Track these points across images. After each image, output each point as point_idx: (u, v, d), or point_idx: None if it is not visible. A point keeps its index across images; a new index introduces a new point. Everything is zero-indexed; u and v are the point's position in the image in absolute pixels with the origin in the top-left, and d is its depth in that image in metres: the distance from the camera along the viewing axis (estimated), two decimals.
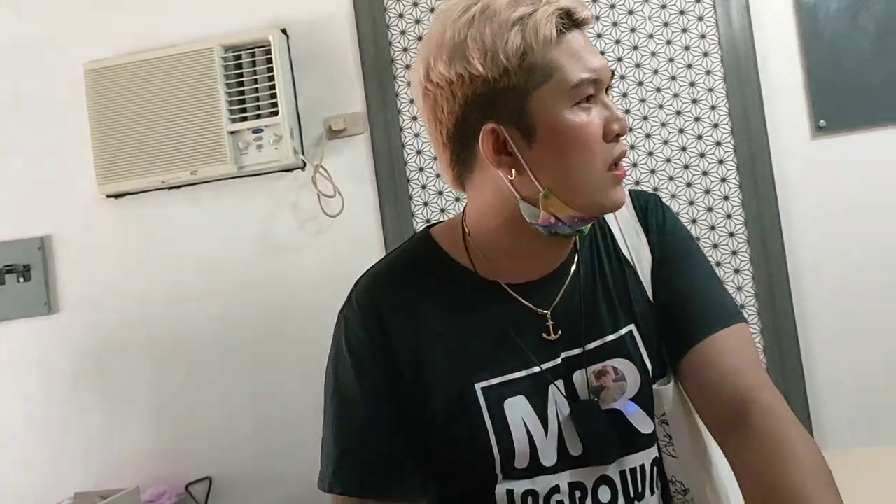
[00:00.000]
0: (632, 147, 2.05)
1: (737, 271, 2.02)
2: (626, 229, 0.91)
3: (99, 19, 2.19)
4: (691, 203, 2.04)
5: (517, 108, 0.77)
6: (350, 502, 0.85)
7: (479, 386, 0.83)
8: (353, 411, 0.86)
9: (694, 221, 2.03)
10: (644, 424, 0.86)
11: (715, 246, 2.03)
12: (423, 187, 2.12)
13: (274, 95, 2.06)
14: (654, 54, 2.05)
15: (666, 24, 2.05)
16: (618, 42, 2.06)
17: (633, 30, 2.05)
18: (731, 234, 2.02)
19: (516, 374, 0.84)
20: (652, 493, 0.89)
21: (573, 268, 0.88)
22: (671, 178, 2.04)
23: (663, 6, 2.05)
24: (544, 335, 0.85)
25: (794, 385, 1.96)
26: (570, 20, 0.77)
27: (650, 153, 2.05)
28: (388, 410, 0.85)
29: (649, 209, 0.92)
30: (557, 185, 0.78)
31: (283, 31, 2.12)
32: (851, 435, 1.95)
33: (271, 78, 2.06)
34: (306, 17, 2.12)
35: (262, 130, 2.07)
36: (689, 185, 2.04)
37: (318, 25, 2.12)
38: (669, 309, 0.88)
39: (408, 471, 0.85)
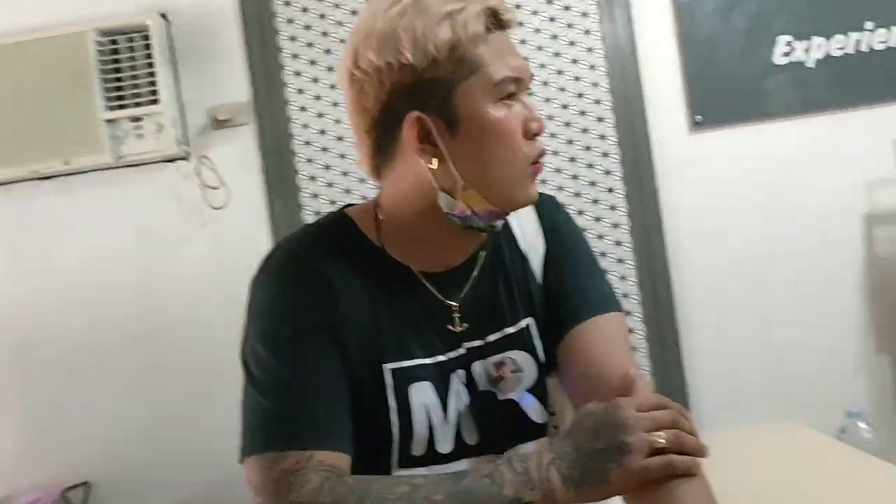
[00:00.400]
0: None
1: (620, 261, 2.09)
2: (524, 225, 0.93)
3: None
4: (577, 195, 2.09)
5: (443, 99, 0.78)
6: (286, 459, 0.76)
7: (387, 367, 0.83)
8: (293, 368, 0.80)
9: (580, 213, 2.09)
10: (538, 415, 0.88)
11: (600, 237, 2.09)
12: (313, 179, 2.09)
13: (153, 83, 1.99)
14: (540, 48, 2.09)
15: (552, 20, 2.09)
16: None
17: (522, 41, 2.09)
18: (616, 226, 2.09)
19: (422, 361, 0.85)
20: None
21: (480, 261, 0.90)
22: (557, 171, 2.09)
23: (549, 1, 2.09)
24: (450, 326, 0.87)
25: (675, 370, 2.05)
26: (496, 20, 0.80)
27: None
28: (327, 365, 0.81)
29: (544, 206, 0.95)
30: (476, 177, 0.80)
31: (164, 16, 2.05)
32: (726, 416, 2.04)
33: (150, 65, 1.99)
34: (188, 2, 2.05)
35: (141, 119, 2.00)
36: (574, 177, 2.09)
37: (201, 11, 2.06)
38: (553, 298, 0.90)
39: (345, 426, 0.81)
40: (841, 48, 2.04)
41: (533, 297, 0.91)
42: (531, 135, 0.81)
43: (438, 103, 0.78)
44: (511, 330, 0.89)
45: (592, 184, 2.09)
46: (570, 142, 2.09)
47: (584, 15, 2.09)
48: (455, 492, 0.70)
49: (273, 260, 0.86)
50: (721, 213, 2.07)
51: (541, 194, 0.95)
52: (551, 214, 0.95)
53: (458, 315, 0.87)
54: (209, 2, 2.06)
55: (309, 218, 2.08)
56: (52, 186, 2.06)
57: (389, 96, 0.79)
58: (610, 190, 2.08)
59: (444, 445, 0.85)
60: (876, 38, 2.04)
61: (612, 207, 2.08)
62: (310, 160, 2.09)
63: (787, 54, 2.05)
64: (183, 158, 2.07)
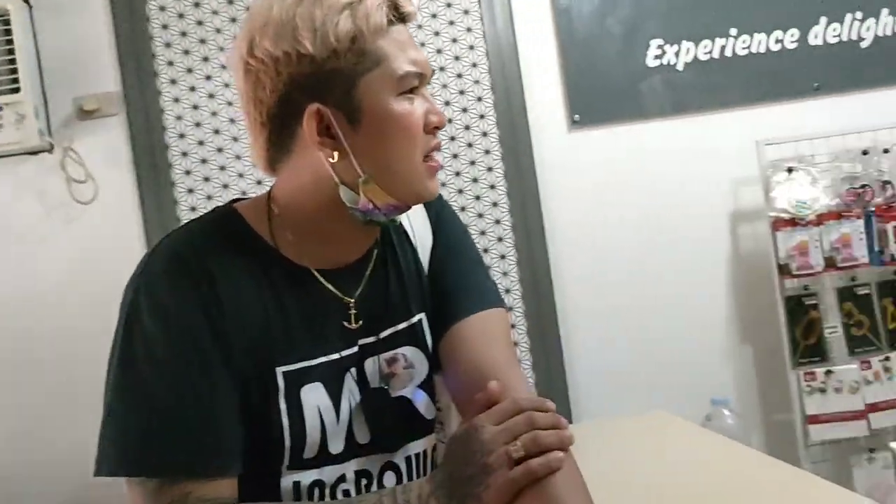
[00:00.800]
0: None
1: (503, 257, 2.13)
2: (414, 220, 0.93)
3: None
4: (460, 191, 2.11)
5: (344, 92, 0.76)
6: (169, 491, 0.72)
7: (280, 370, 0.80)
8: (171, 380, 0.75)
9: (463, 209, 2.11)
10: (428, 411, 0.87)
11: (482, 233, 2.12)
12: (188, 173, 2.03)
13: (14, 71, 1.88)
14: (422, 45, 2.10)
15: (434, 16, 2.11)
16: None
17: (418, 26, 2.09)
18: (498, 222, 2.12)
19: (316, 361, 0.83)
20: None
21: (374, 256, 0.89)
22: (440, 167, 2.11)
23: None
24: (346, 323, 0.85)
25: (555, 363, 2.10)
26: (396, 13, 0.79)
27: None
28: (212, 376, 0.76)
29: (432, 202, 0.94)
30: (378, 170, 0.78)
31: (26, 1, 1.94)
32: (603, 406, 2.12)
33: (11, 51, 1.88)
34: None
35: (1, 109, 1.89)
36: (457, 174, 2.12)
37: None
38: (436, 293, 0.90)
39: (232, 442, 0.76)
40: (708, 52, 2.14)
41: (424, 292, 0.91)
42: (431, 128, 0.81)
43: (339, 95, 0.77)
44: (403, 325, 0.88)
45: (475, 180, 2.11)
46: (453, 138, 2.11)
47: (466, 13, 2.11)
48: None
49: (153, 260, 0.80)
50: (598, 210, 2.14)
51: None
52: (438, 209, 0.95)
53: (353, 312, 0.85)
54: None
55: (185, 214, 2.02)
56: None
57: (287, 87, 0.77)
58: (492, 187, 2.12)
59: (336, 445, 0.83)
60: (739, 44, 2.15)
61: (494, 204, 2.12)
62: (185, 153, 2.03)
63: (658, 57, 2.13)
64: (46, 151, 1.96)
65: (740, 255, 2.18)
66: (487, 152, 2.12)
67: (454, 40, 2.11)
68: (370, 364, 0.86)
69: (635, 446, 1.53)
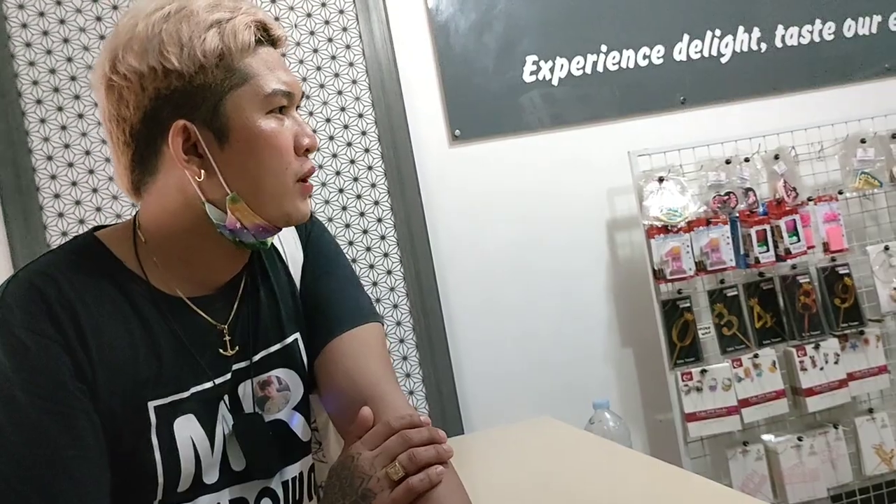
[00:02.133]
0: None
1: (389, 272, 2.15)
2: (286, 239, 0.93)
3: None
4: (344, 208, 2.12)
5: (211, 108, 0.76)
6: None
7: (151, 405, 0.78)
8: (27, 428, 0.70)
9: (347, 226, 2.12)
10: (305, 433, 0.87)
11: (368, 248, 2.13)
12: (57, 196, 1.96)
13: None
14: (301, 62, 2.11)
15: (312, 33, 2.12)
16: None
17: (283, 55, 2.09)
18: (383, 237, 2.14)
19: (188, 392, 0.81)
20: (311, 497, 0.90)
21: (245, 279, 0.88)
22: (323, 184, 2.11)
23: (309, 15, 2.11)
24: (221, 350, 0.83)
25: (444, 375, 2.13)
26: (266, 34, 0.80)
27: None
28: (74, 421, 0.72)
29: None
30: (246, 189, 0.78)
31: None
32: (493, 415, 2.16)
33: None
34: None
35: None
36: (341, 190, 2.12)
37: None
38: (309, 311, 0.90)
39: (91, 496, 0.73)
40: (580, 68, 2.24)
41: (299, 310, 0.90)
42: (302, 151, 0.81)
43: (206, 112, 0.76)
44: (276, 347, 0.87)
45: (358, 196, 2.13)
46: (335, 155, 2.12)
47: (344, 30, 2.13)
48: None
49: (9, 293, 0.75)
50: (482, 221, 2.19)
51: None
52: (309, 228, 0.96)
53: (228, 338, 0.84)
54: None
55: (55, 240, 1.95)
56: None
57: (152, 103, 0.76)
58: (376, 202, 2.14)
59: (211, 476, 0.82)
60: (609, 59, 2.25)
61: (379, 219, 2.14)
62: (53, 176, 1.96)
63: (534, 73, 2.21)
64: None
65: (618, 261, 2.28)
66: (370, 168, 2.14)
67: (333, 57, 2.12)
68: (242, 389, 0.85)
69: (523, 454, 1.57)
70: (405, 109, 2.14)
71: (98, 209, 1.99)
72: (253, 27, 0.78)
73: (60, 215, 1.96)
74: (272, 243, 0.91)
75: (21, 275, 0.78)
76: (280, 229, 0.85)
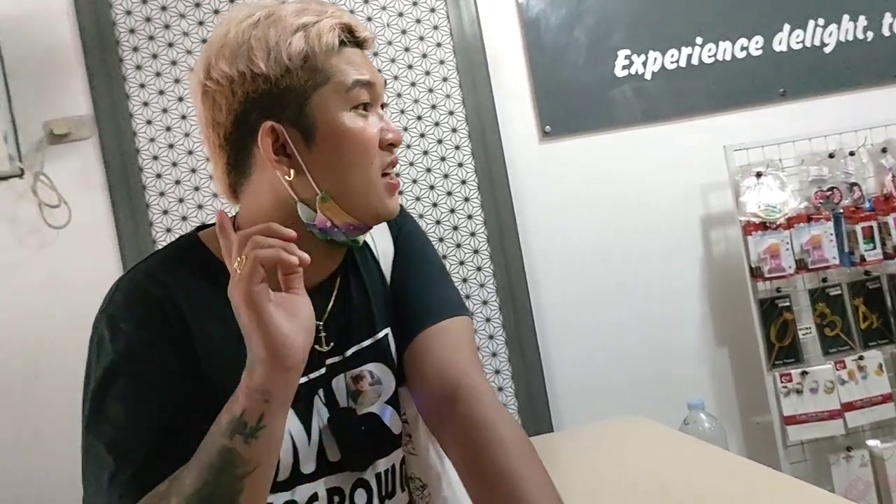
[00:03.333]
0: None
1: (479, 269, 2.15)
2: (377, 235, 0.94)
3: None
4: (435, 205, 2.14)
5: (298, 109, 0.78)
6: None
7: None
8: (139, 405, 0.76)
9: (438, 223, 2.14)
10: (396, 426, 0.89)
11: (458, 245, 2.15)
12: (162, 194, 2.04)
13: None
14: (393, 61, 2.14)
15: (403, 32, 2.14)
16: None
17: (375, 54, 2.13)
18: (473, 234, 2.15)
19: None
20: (402, 489, 0.92)
21: (340, 276, 0.90)
22: (414, 181, 2.14)
23: (401, 14, 2.14)
24: (317, 346, 0.85)
25: (533, 372, 2.13)
26: (351, 36, 0.82)
27: None
28: (177, 405, 0.77)
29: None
30: (334, 187, 0.80)
31: None
32: (584, 413, 2.14)
33: None
34: (17, 10, 1.96)
35: None
36: (431, 187, 2.14)
37: (33, 20, 1.97)
38: (398, 304, 0.91)
39: None
40: (674, 61, 2.19)
41: (390, 305, 0.92)
42: (386, 145, 0.82)
43: (293, 113, 0.78)
44: (368, 342, 0.89)
45: (448, 193, 2.14)
46: (426, 152, 2.14)
47: (435, 28, 2.15)
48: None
49: (118, 294, 0.81)
50: (572, 218, 2.18)
51: None
52: (400, 223, 0.96)
53: (324, 335, 0.86)
54: (42, 10, 1.98)
55: (160, 236, 2.03)
56: None
57: (242, 107, 0.79)
58: (466, 199, 2.15)
59: (308, 466, 0.84)
60: (705, 52, 2.20)
61: (469, 216, 2.15)
62: (159, 175, 2.04)
63: (626, 67, 2.18)
64: (17, 176, 1.97)
65: (713, 259, 2.22)
66: (461, 165, 2.15)
67: (424, 55, 2.14)
68: (336, 383, 0.87)
69: (614, 453, 1.55)
70: (495, 106, 2.14)
71: (199, 206, 2.06)
72: (337, 29, 0.80)
73: (165, 212, 2.05)
74: (364, 240, 0.92)
75: (130, 275, 0.83)
76: (370, 227, 0.87)
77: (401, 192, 2.07)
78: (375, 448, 0.88)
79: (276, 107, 0.78)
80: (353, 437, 0.86)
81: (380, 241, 0.95)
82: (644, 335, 2.18)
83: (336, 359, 0.88)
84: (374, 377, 0.88)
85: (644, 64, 2.18)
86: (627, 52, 2.18)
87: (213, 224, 0.87)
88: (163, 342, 0.78)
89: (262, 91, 0.78)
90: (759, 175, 2.06)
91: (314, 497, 0.85)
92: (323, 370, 0.87)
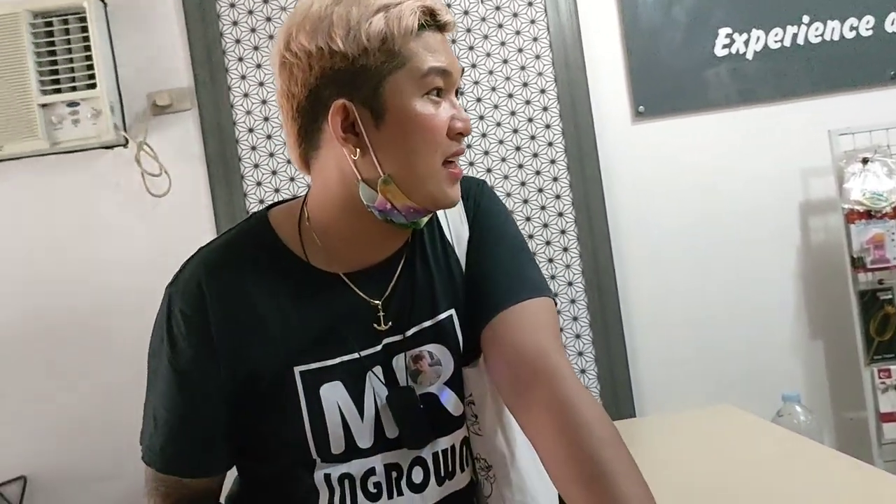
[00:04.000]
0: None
1: (565, 250, 2.14)
2: (451, 215, 0.93)
3: None
4: (523, 184, 2.13)
5: (371, 89, 0.78)
6: (159, 477, 0.90)
7: (297, 370, 0.84)
8: (169, 387, 0.86)
9: (525, 202, 2.13)
10: (455, 408, 0.89)
11: (545, 225, 2.13)
12: (256, 166, 2.09)
13: (91, 67, 1.96)
14: (486, 37, 2.13)
15: (498, 9, 2.13)
16: (453, 42, 2.12)
17: (468, 30, 2.12)
18: (560, 214, 2.13)
19: (334, 360, 0.85)
20: (462, 470, 0.92)
21: (404, 257, 0.90)
22: (503, 160, 2.13)
23: (497, 7, 2.13)
24: (375, 325, 0.87)
25: (617, 356, 2.11)
26: (432, 19, 0.81)
27: (483, 135, 2.12)
28: (202, 391, 0.85)
29: (470, 191, 0.95)
30: (398, 171, 0.80)
31: None
32: (667, 401, 2.11)
33: (87, 48, 1.96)
34: None
35: (78, 104, 1.97)
36: (520, 166, 2.13)
37: None
38: (475, 284, 0.90)
39: (211, 452, 0.88)
40: (778, 41, 2.11)
41: (455, 288, 0.91)
42: (455, 133, 0.82)
43: (366, 93, 0.79)
44: (429, 323, 0.89)
45: (537, 173, 2.13)
46: (516, 131, 2.13)
47: (530, 4, 2.12)
48: None
49: (181, 276, 0.87)
50: (663, 202, 2.13)
51: (469, 178, 0.96)
52: (476, 198, 0.95)
53: (382, 314, 0.87)
54: None
55: (253, 206, 2.09)
56: None
57: (317, 82, 0.79)
58: (555, 179, 2.13)
59: (364, 441, 0.86)
60: (812, 31, 2.12)
61: (557, 196, 2.13)
62: (254, 147, 2.09)
63: (726, 46, 2.11)
64: (122, 145, 2.04)
65: (811, 247, 2.15)
66: (550, 144, 2.13)
67: (517, 32, 2.12)
68: (397, 361, 0.88)
69: (702, 441, 1.52)
70: (588, 85, 2.11)
71: (291, 179, 2.11)
72: (418, 12, 0.79)
73: (258, 184, 2.10)
74: (429, 221, 0.92)
75: (196, 258, 0.88)
76: (431, 212, 0.86)
77: (488, 171, 2.07)
78: (433, 428, 0.88)
79: (350, 85, 0.79)
80: (411, 415, 0.86)
81: (453, 220, 0.94)
82: (734, 323, 2.13)
83: (396, 338, 0.88)
84: (433, 358, 0.88)
85: (746, 43, 2.11)
86: (728, 30, 2.11)
87: (285, 201, 0.93)
88: (188, 343, 0.84)
89: (339, 68, 0.78)
90: (865, 161, 1.97)
91: (371, 471, 0.86)
92: (379, 347, 0.88)
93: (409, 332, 0.88)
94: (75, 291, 2.02)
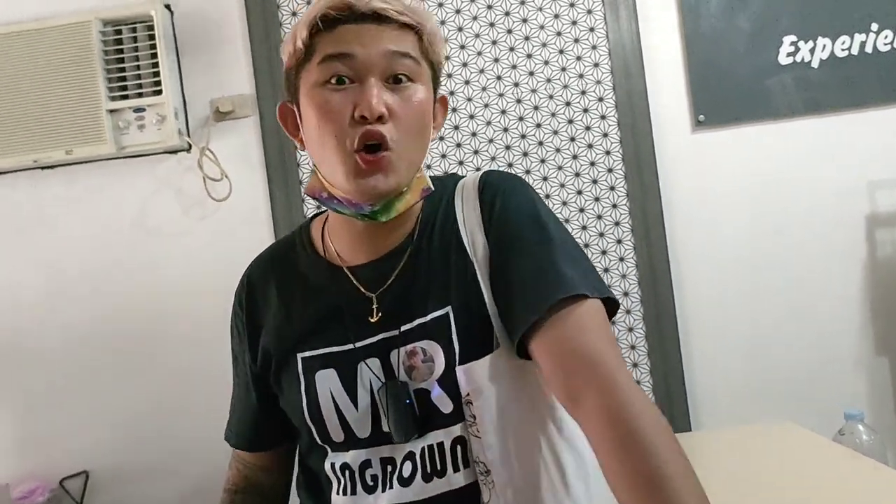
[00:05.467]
0: (522, 136, 2.12)
1: (621, 259, 2.12)
2: (467, 212, 0.92)
3: None
4: (579, 192, 2.12)
5: (294, 88, 0.87)
6: (233, 452, 1.08)
7: (300, 356, 0.92)
8: (234, 371, 1.05)
9: (582, 210, 2.12)
10: (445, 405, 0.88)
11: (601, 234, 2.12)
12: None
13: (157, 74, 2.01)
14: (545, 45, 2.13)
15: (556, 17, 2.13)
16: (512, 49, 2.13)
17: (527, 38, 2.13)
18: (617, 223, 2.12)
19: (329, 349, 0.91)
20: (455, 470, 0.88)
21: (410, 250, 0.91)
22: (560, 168, 2.13)
23: (556, 15, 2.12)
24: (369, 317, 0.90)
25: (674, 368, 2.08)
26: (350, 12, 0.82)
27: (540, 143, 2.13)
28: (244, 374, 1.01)
29: (491, 190, 0.92)
30: (318, 162, 0.87)
31: (167, 7, 2.08)
32: (725, 415, 2.08)
33: (154, 55, 2.02)
34: None
35: (144, 110, 2.03)
36: (577, 174, 2.13)
37: (205, 2, 2.09)
38: (509, 288, 0.86)
39: (255, 428, 1.03)
40: (846, 49, 2.07)
41: (454, 286, 0.88)
42: (357, 118, 0.80)
43: (291, 92, 0.88)
44: (423, 319, 0.88)
45: (594, 181, 2.12)
46: (573, 139, 2.12)
47: (589, 12, 2.12)
48: None
49: (243, 276, 1.03)
50: (723, 213, 2.10)
51: (494, 173, 0.94)
52: (497, 198, 0.91)
53: (375, 306, 0.90)
54: None
55: (310, 212, 2.12)
56: (54, 176, 2.09)
57: (285, 85, 0.90)
58: (612, 188, 2.12)
59: (362, 431, 0.89)
60: (881, 39, 2.07)
61: (614, 205, 2.12)
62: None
63: (791, 54, 2.08)
64: (185, 150, 2.10)
65: (877, 261, 2.10)
66: (608, 153, 2.12)
67: (576, 40, 2.12)
68: (394, 356, 0.89)
69: (759, 458, 1.49)
70: (647, 93, 2.09)
71: None
72: (325, 8, 0.82)
73: None
74: (444, 215, 0.92)
75: (255, 260, 1.04)
76: (368, 204, 0.84)
77: (544, 178, 2.07)
78: (420, 423, 0.88)
79: (286, 87, 0.89)
80: (397, 408, 0.87)
81: (468, 216, 0.92)
82: (796, 337, 2.09)
83: (393, 332, 0.89)
84: (426, 354, 0.88)
85: (811, 51, 2.07)
86: (793, 38, 2.08)
87: (325, 211, 0.98)
88: (236, 319, 1.01)
89: (285, 73, 0.88)
90: None
91: (367, 463, 0.90)
92: (374, 339, 0.89)
93: (405, 328, 0.89)
94: (137, 292, 2.08)
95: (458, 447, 0.88)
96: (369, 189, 0.82)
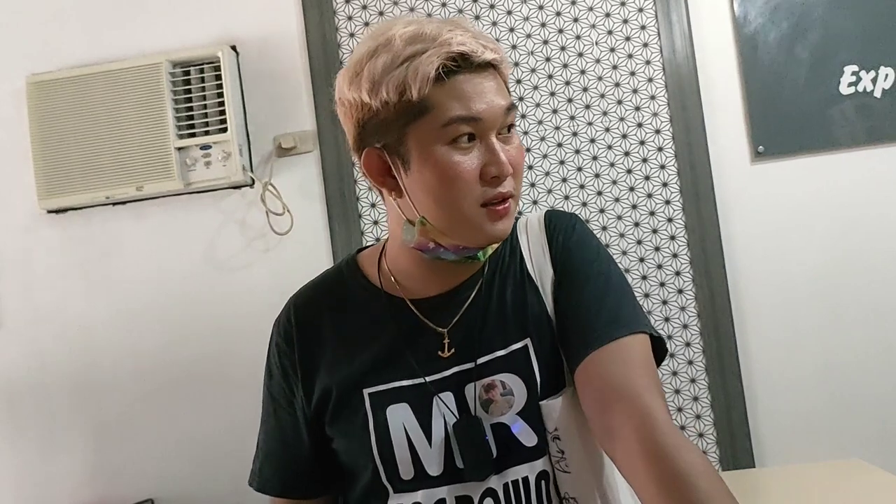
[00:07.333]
0: (578, 169, 2.14)
1: (680, 291, 2.12)
2: (533, 248, 0.95)
3: (43, 32, 2.21)
4: (636, 224, 2.13)
5: (396, 139, 0.83)
6: (270, 499, 1.02)
7: (366, 391, 0.90)
8: (267, 413, 1.01)
9: (639, 242, 2.13)
10: (527, 439, 0.88)
11: (659, 266, 2.13)
12: (373, 206, 2.18)
13: (223, 112, 2.10)
14: (600, 78, 2.16)
15: (612, 50, 2.16)
16: (565, 66, 2.16)
17: (580, 54, 2.16)
18: (675, 255, 2.12)
19: (400, 383, 0.90)
20: None
21: (477, 286, 0.93)
22: (617, 200, 2.14)
23: (610, 32, 2.15)
24: (439, 352, 0.90)
25: (735, 402, 2.06)
26: (465, 62, 0.81)
27: (597, 175, 2.15)
28: (289, 416, 0.98)
29: (556, 227, 0.96)
30: (431, 214, 0.85)
31: (233, 48, 2.17)
32: (789, 451, 2.05)
33: (220, 94, 2.10)
34: (256, 33, 2.17)
35: (210, 147, 2.11)
36: (634, 206, 2.14)
37: (269, 42, 2.17)
38: (566, 322, 0.90)
39: (299, 475, 0.99)
40: None
41: (530, 319, 0.91)
42: (488, 178, 0.83)
43: (392, 142, 0.83)
44: (501, 352, 0.90)
45: (652, 213, 2.13)
46: (630, 171, 2.14)
47: (645, 45, 2.14)
48: None
49: (282, 311, 1.01)
50: (785, 244, 2.09)
51: (558, 213, 0.99)
52: (561, 235, 0.95)
53: (447, 341, 0.91)
54: (276, 34, 2.18)
55: (369, 244, 2.16)
56: (124, 211, 2.19)
57: (356, 129, 0.87)
58: (669, 220, 2.12)
59: (433, 468, 0.88)
60: None
61: (672, 237, 2.12)
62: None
63: (852, 84, 2.07)
64: (248, 185, 2.17)
65: None
66: (665, 185, 2.13)
67: (632, 73, 2.14)
68: (469, 390, 0.89)
69: (827, 497, 1.47)
70: (705, 124, 2.10)
71: None
72: (438, 60, 0.79)
73: (375, 223, 2.18)
74: (510, 252, 0.96)
75: (298, 291, 1.02)
76: (482, 247, 0.89)
77: (601, 211, 2.09)
78: (500, 458, 0.87)
79: (378, 134, 0.84)
80: (474, 444, 0.87)
81: (535, 252, 0.95)
82: (862, 373, 2.05)
83: (467, 366, 0.90)
84: (505, 387, 0.88)
85: (873, 80, 2.06)
86: (854, 67, 2.07)
87: (371, 245, 1.04)
88: (279, 370, 0.98)
89: (367, 119, 0.84)
90: None
91: (441, 502, 0.88)
92: (447, 373, 0.90)
93: (481, 360, 0.90)
94: (204, 323, 2.15)
95: (542, 482, 0.90)
96: (498, 235, 0.86)
